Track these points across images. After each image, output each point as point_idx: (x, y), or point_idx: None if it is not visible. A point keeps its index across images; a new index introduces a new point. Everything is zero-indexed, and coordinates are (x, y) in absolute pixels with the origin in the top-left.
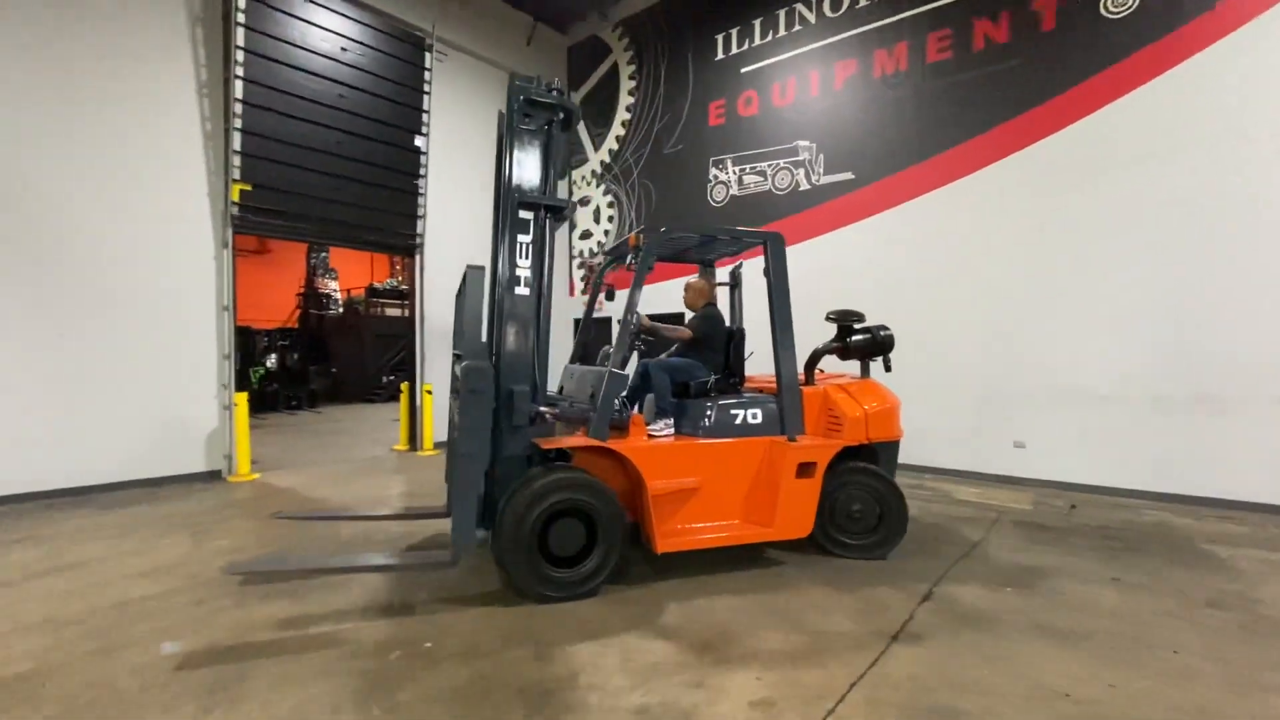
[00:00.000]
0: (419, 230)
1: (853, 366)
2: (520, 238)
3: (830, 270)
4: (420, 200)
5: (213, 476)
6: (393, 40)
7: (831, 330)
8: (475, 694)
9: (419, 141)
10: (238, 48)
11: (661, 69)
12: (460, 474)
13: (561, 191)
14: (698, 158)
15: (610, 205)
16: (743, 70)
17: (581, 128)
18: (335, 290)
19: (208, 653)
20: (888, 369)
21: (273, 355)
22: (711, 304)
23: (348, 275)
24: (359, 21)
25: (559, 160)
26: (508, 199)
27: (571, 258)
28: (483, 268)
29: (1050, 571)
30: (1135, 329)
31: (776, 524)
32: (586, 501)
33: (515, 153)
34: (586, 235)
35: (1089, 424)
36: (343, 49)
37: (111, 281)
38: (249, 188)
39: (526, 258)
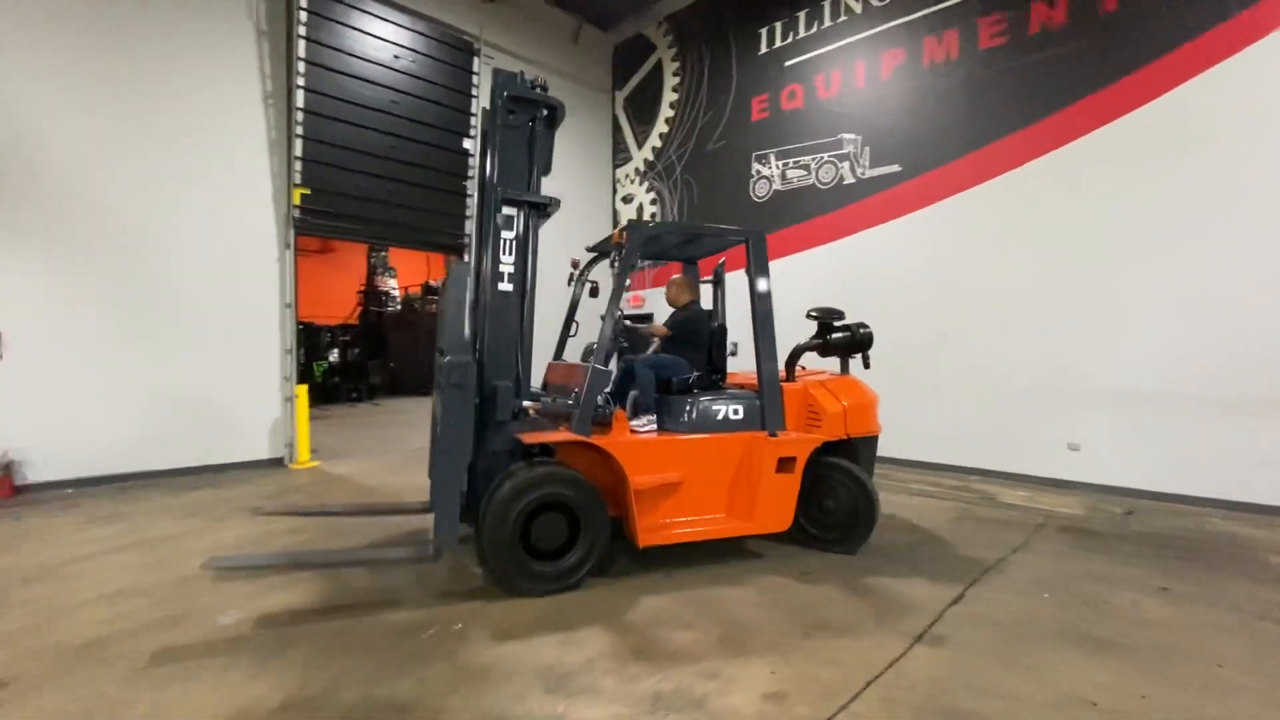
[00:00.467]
0: (467, 230)
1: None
2: (504, 234)
3: (876, 264)
4: (469, 201)
5: (275, 464)
6: (442, 46)
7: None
8: (500, 672)
9: (467, 144)
10: (299, 59)
11: (705, 65)
12: (442, 469)
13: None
14: (740, 153)
15: (653, 202)
16: (787, 63)
17: (625, 125)
18: (394, 288)
19: (259, 624)
20: (866, 366)
21: (335, 350)
22: (695, 301)
23: (406, 273)
24: (411, 29)
25: (542, 157)
26: (491, 195)
27: None
28: (468, 264)
29: (1094, 578)
30: (1201, 325)
31: (757, 518)
32: (569, 495)
33: (499, 149)
34: None
35: (1148, 426)
36: (395, 56)
37: (185, 281)
38: (308, 191)
39: (510, 254)
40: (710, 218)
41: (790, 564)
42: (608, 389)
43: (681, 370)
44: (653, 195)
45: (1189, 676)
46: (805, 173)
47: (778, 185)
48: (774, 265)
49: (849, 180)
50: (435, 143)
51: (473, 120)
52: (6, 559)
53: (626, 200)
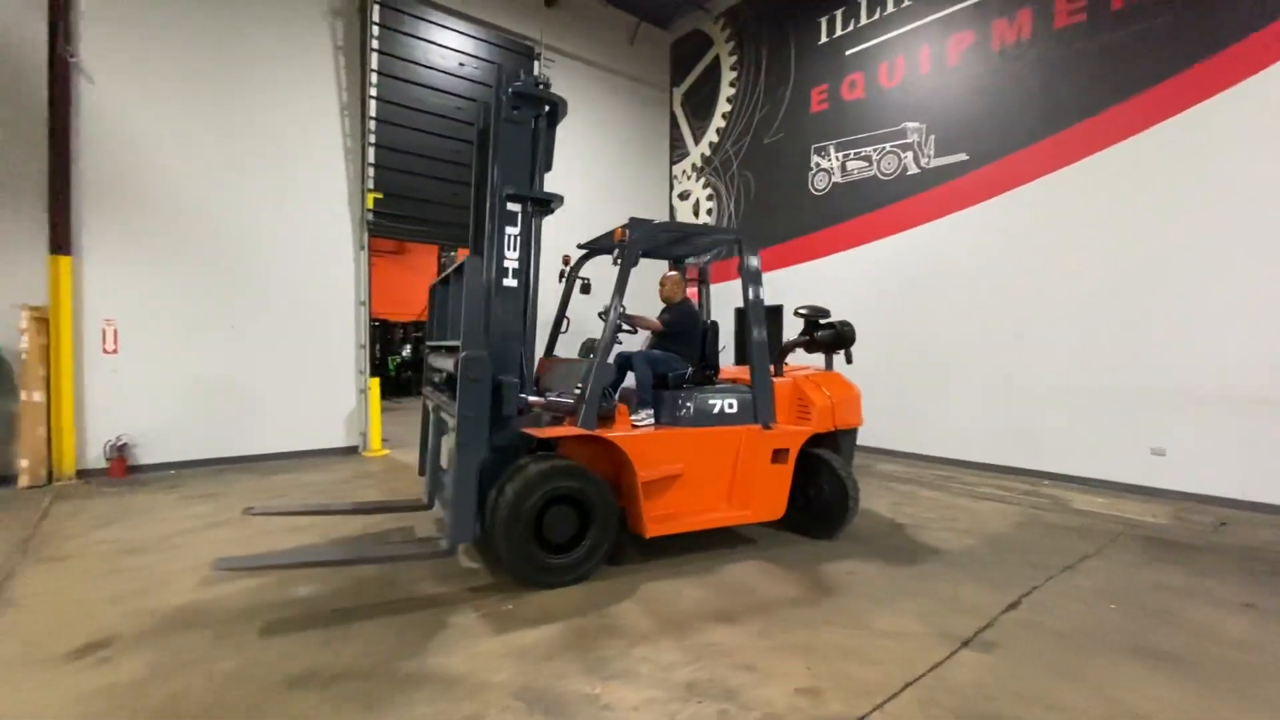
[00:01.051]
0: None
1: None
2: (509, 230)
3: (942, 258)
4: None
5: (350, 451)
6: (504, 51)
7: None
8: (543, 651)
9: None
10: (372, 70)
11: (763, 58)
12: (460, 464)
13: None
14: (799, 146)
15: (709, 198)
16: (848, 52)
17: (682, 121)
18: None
19: (329, 598)
20: (849, 361)
21: (408, 346)
22: (687, 299)
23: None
24: (474, 37)
25: (545, 154)
26: (495, 192)
27: None
28: (480, 259)
29: (1171, 591)
30: None
31: (753, 507)
32: (581, 489)
33: (502, 145)
34: None
35: (1244, 431)
36: (460, 64)
37: (271, 281)
38: (380, 196)
39: (514, 250)
40: (767, 212)
41: (836, 564)
42: (610, 383)
43: (676, 365)
44: (709, 191)
45: (1262, 699)
46: (866, 164)
47: (837, 178)
48: (833, 259)
49: (912, 171)
50: None
51: None
52: (117, 530)
53: (683, 197)
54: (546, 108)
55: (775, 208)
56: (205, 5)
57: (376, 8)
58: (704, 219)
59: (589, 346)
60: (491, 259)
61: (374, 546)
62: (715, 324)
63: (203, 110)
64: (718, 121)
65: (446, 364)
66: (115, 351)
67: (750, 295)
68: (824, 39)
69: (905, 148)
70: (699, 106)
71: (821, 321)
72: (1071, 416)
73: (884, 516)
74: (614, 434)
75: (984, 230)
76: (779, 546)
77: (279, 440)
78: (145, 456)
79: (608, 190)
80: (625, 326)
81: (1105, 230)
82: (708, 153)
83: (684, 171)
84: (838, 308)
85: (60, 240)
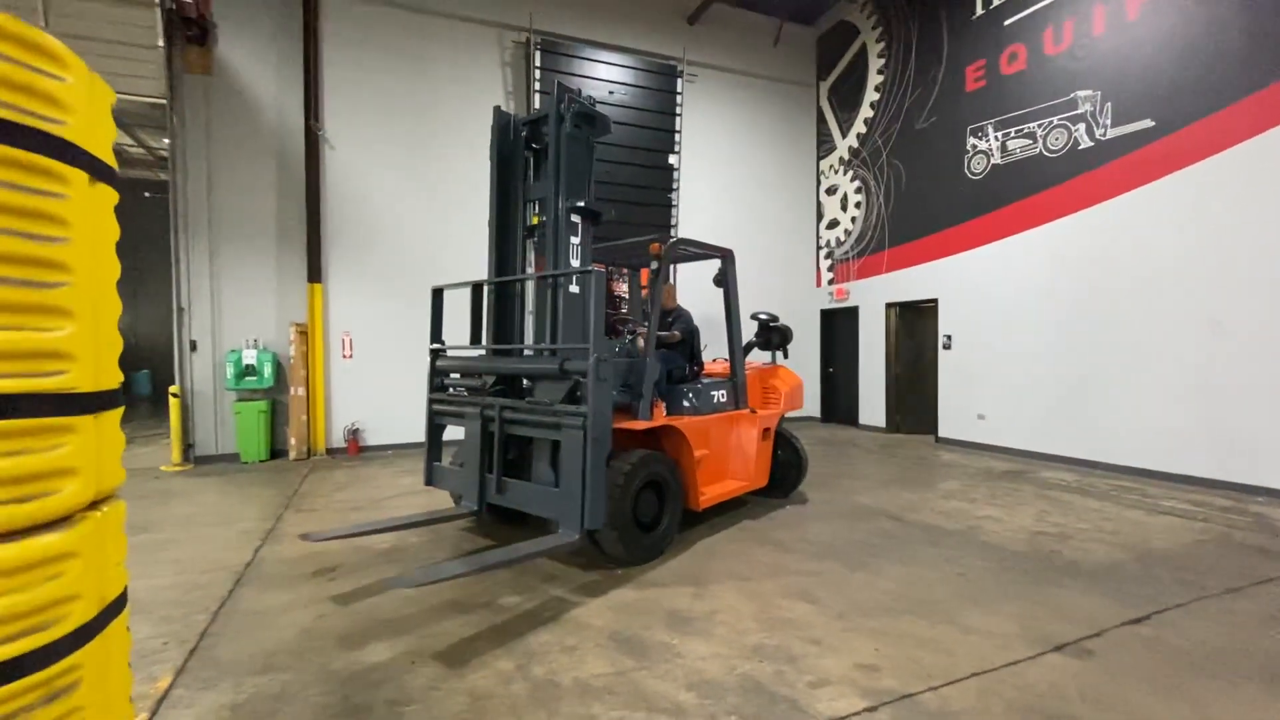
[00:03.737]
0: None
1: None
2: (572, 240)
3: (1121, 240)
4: (673, 212)
5: None
6: (649, 74)
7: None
8: (637, 609)
9: (671, 159)
10: (534, 110)
11: (912, 39)
12: (593, 457)
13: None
14: (953, 129)
15: (858, 191)
16: (1006, 22)
17: (829, 115)
18: (625, 291)
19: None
20: (786, 355)
21: None
22: (679, 305)
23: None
24: (622, 65)
25: (591, 169)
26: (552, 205)
27: (818, 248)
28: (603, 272)
29: None
30: None
31: (750, 477)
32: (661, 473)
33: (564, 161)
34: (833, 224)
35: None
36: (610, 92)
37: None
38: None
39: (576, 258)
40: (919, 201)
41: (947, 565)
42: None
43: (679, 363)
44: (857, 184)
45: None
46: (1030, 141)
47: (996, 159)
48: (991, 248)
49: (1084, 145)
50: (643, 163)
51: (676, 137)
52: (348, 493)
53: (830, 192)
54: (595, 125)
55: (928, 196)
56: (408, 74)
57: (538, 53)
58: (851, 213)
59: (627, 348)
60: (554, 268)
61: (504, 551)
62: (698, 328)
63: (408, 162)
64: (865, 111)
65: (516, 366)
66: (350, 357)
67: (731, 303)
68: (980, 11)
69: (1076, 119)
70: (846, 98)
71: (771, 325)
72: None
73: (1023, 525)
74: (680, 422)
75: (1173, 206)
76: (904, 540)
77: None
78: (371, 439)
79: (753, 191)
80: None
81: None
82: (855, 145)
83: (831, 166)
84: (999, 299)
85: (314, 271)
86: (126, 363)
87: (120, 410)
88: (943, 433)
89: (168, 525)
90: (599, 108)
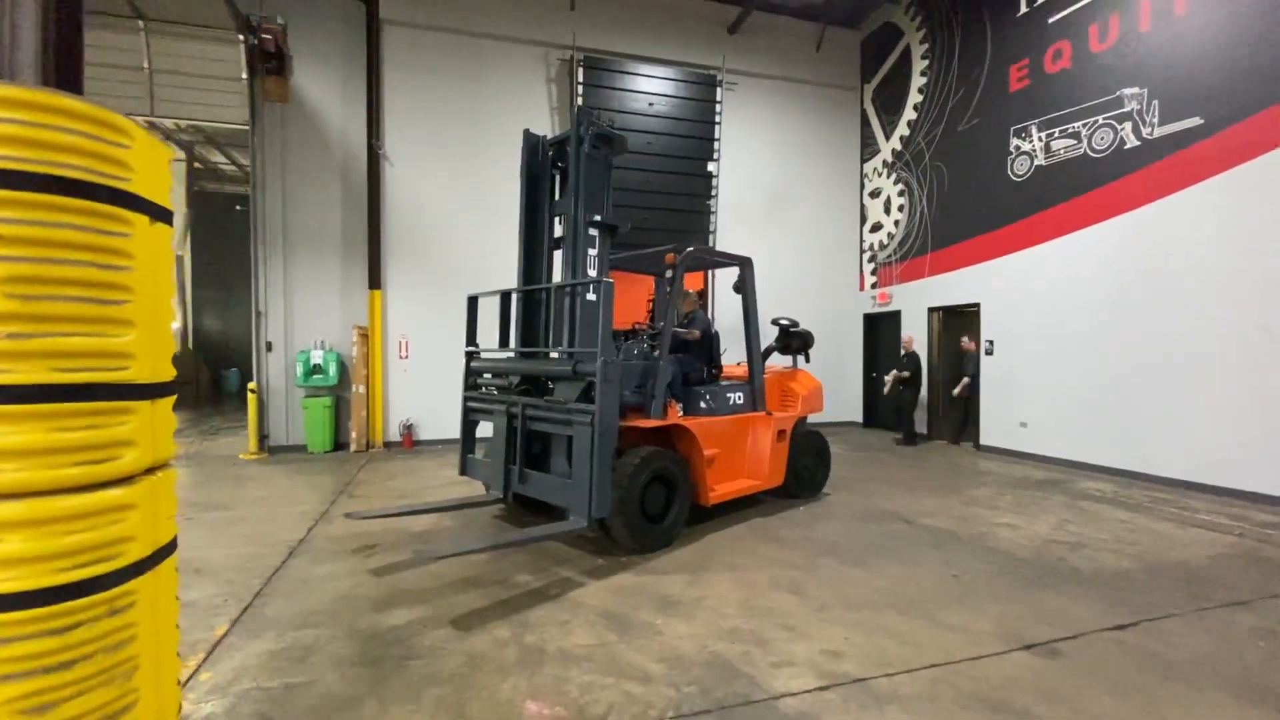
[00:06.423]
0: (709, 245)
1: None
2: (590, 252)
3: (1168, 242)
4: (711, 218)
5: None
6: (688, 85)
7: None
8: (631, 591)
9: (711, 167)
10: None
11: (955, 40)
12: (600, 450)
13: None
14: (996, 129)
15: (900, 194)
16: (1050, 20)
17: (873, 118)
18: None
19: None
20: (808, 360)
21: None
22: (699, 310)
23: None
24: (662, 78)
25: (609, 185)
26: (573, 218)
27: (861, 251)
28: (612, 282)
29: None
30: None
31: (766, 477)
32: (669, 468)
33: (584, 178)
34: (877, 228)
35: None
36: (650, 104)
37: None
38: None
39: (593, 269)
40: (962, 203)
41: (945, 567)
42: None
43: (696, 366)
44: (900, 187)
45: None
46: (1074, 141)
47: (1040, 160)
48: (1035, 251)
49: (1130, 144)
50: (683, 171)
51: (715, 145)
52: (398, 483)
53: (874, 195)
54: (613, 145)
55: (971, 198)
56: (460, 94)
57: (581, 70)
58: (895, 216)
59: (637, 351)
60: (571, 277)
61: (517, 534)
62: (717, 333)
63: (459, 176)
64: (909, 114)
65: (537, 368)
66: (406, 358)
67: (750, 308)
68: (1024, 9)
69: (1122, 118)
70: (889, 101)
71: (792, 330)
72: None
73: (1037, 533)
74: (689, 422)
75: (1223, 207)
76: (907, 536)
77: None
78: (424, 434)
79: (796, 195)
80: (680, 333)
81: None
82: (899, 147)
83: (875, 169)
84: (1041, 304)
85: (374, 279)
86: (220, 361)
87: (173, 398)
88: (984, 440)
89: (241, 505)
90: (638, 120)
